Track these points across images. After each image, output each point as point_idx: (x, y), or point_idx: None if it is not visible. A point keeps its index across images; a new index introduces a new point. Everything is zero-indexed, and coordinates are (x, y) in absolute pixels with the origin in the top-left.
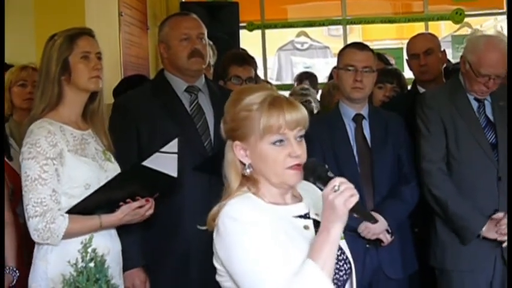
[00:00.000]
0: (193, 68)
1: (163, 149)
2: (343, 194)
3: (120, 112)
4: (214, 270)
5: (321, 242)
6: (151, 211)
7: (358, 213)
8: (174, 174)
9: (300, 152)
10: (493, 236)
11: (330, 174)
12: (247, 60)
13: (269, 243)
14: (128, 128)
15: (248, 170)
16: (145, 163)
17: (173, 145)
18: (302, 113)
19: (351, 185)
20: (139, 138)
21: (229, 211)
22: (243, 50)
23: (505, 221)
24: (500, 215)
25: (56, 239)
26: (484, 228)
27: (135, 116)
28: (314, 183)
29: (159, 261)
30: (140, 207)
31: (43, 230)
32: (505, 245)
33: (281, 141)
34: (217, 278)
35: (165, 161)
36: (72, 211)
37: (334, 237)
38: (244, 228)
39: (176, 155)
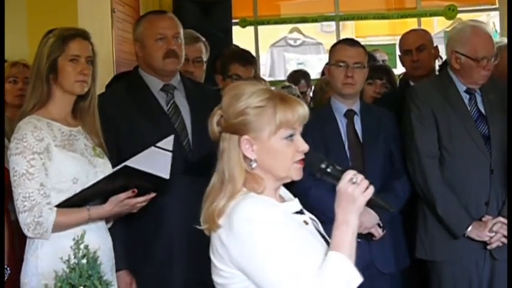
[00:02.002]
0: (168, 69)
1: (159, 144)
2: (361, 185)
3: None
4: (198, 269)
5: (342, 234)
6: (144, 203)
7: (375, 204)
8: (166, 176)
9: (307, 146)
10: (477, 237)
11: (338, 167)
12: (250, 60)
13: (290, 240)
14: (107, 130)
15: (254, 165)
16: (136, 165)
17: (169, 142)
18: (307, 109)
19: (363, 176)
20: (117, 138)
21: (243, 212)
22: (236, 46)
23: (491, 224)
24: (488, 217)
25: (45, 232)
26: (469, 229)
27: (112, 118)
28: (321, 177)
29: (142, 263)
30: (129, 198)
31: (32, 224)
32: (489, 247)
33: (291, 135)
34: (218, 279)
35: (158, 161)
36: (61, 205)
37: (354, 228)
38: (264, 229)
39: (171, 154)
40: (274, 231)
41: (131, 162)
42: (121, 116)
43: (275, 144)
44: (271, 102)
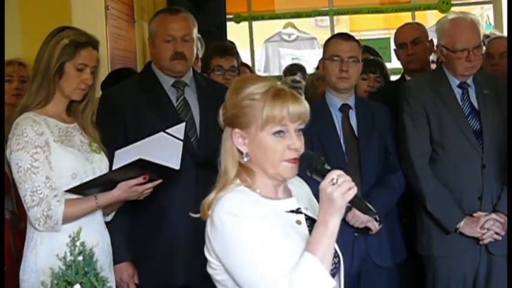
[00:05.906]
0: (175, 70)
1: (169, 130)
2: (342, 186)
3: (107, 106)
4: (200, 262)
5: (319, 235)
6: (150, 190)
7: (357, 206)
8: (177, 166)
9: (299, 145)
10: (469, 233)
11: (326, 166)
12: (227, 50)
13: (267, 238)
14: (115, 122)
15: (245, 159)
16: (149, 158)
17: (180, 129)
18: (305, 107)
19: (349, 178)
20: (126, 133)
21: (225, 206)
22: (230, 42)
23: (483, 220)
24: (480, 213)
25: (56, 225)
26: (461, 223)
27: (121, 111)
28: (310, 175)
29: (146, 254)
30: (138, 185)
31: (42, 218)
32: (481, 242)
33: (281, 132)
34: (209, 270)
35: (168, 149)
36: (71, 190)
37: (333, 230)
38: (242, 223)
39: (181, 143)
40: (251, 227)
41: (144, 153)
42: (130, 109)
43: (263, 139)
44: (263, 97)
